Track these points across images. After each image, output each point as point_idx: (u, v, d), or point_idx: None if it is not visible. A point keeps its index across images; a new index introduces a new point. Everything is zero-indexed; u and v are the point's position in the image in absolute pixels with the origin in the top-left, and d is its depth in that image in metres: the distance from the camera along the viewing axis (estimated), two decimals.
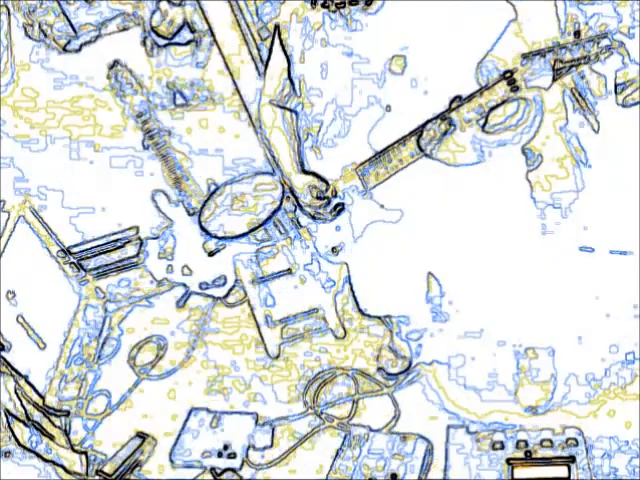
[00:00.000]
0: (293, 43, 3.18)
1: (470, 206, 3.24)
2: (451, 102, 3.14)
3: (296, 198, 3.29)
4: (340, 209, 3.26)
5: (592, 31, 3.10)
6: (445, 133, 3.11)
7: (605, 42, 3.04)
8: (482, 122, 3.15)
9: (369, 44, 3.15)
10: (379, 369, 3.46)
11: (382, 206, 3.24)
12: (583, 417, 3.29)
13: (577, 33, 3.10)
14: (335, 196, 3.22)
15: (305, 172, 3.25)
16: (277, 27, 3.20)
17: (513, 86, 3.06)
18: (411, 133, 3.16)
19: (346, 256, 3.35)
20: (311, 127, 3.22)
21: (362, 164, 3.20)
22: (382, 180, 3.20)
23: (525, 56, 3.06)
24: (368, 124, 3.16)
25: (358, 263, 3.35)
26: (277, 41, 3.19)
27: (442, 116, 3.12)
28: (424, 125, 3.15)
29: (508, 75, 3.06)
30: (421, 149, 3.13)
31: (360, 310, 3.41)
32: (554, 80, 3.07)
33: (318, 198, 3.21)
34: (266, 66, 3.24)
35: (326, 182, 3.23)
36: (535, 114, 3.13)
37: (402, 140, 3.17)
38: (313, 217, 3.29)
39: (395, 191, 3.24)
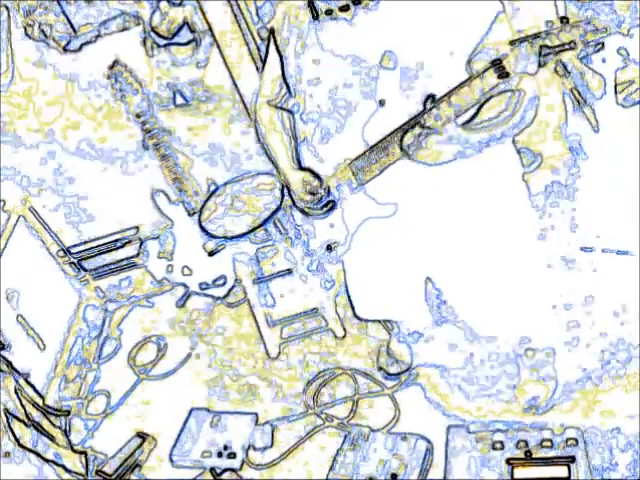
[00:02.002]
0: (286, 43, 3.18)
1: (465, 202, 3.24)
2: (425, 101, 3.12)
3: (290, 194, 3.29)
4: (331, 206, 3.26)
5: (578, 17, 3.10)
6: (428, 134, 3.11)
7: (589, 27, 3.04)
8: (467, 119, 3.14)
9: (360, 39, 3.15)
10: (379, 369, 3.46)
11: (375, 201, 3.24)
12: (583, 417, 3.29)
13: (563, 19, 3.10)
14: (328, 193, 3.22)
15: (301, 168, 3.25)
16: (272, 29, 3.20)
17: (502, 73, 3.06)
18: (394, 132, 3.14)
19: (341, 254, 3.35)
20: (306, 128, 3.22)
21: (354, 160, 3.20)
22: (374, 175, 3.20)
23: (512, 43, 3.06)
24: (362, 119, 3.16)
25: (353, 261, 3.34)
26: (272, 43, 3.19)
27: (420, 118, 3.11)
28: (407, 123, 3.14)
29: (497, 63, 3.05)
30: (403, 150, 3.13)
31: (355, 315, 3.40)
32: (540, 66, 3.07)
33: (311, 194, 3.21)
34: (262, 68, 3.25)
35: (320, 179, 3.22)
36: (527, 104, 3.12)
37: (386, 140, 3.16)
38: (305, 213, 3.29)
39: (389, 186, 3.24)
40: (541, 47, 3.02)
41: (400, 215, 3.24)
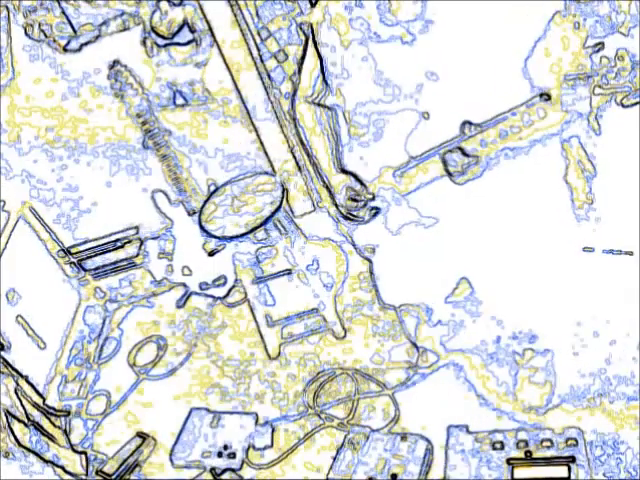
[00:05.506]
0: (328, 42, 3.18)
1: (502, 210, 3.26)
2: (462, 127, 3.14)
3: (333, 197, 3.28)
4: (375, 212, 3.25)
5: (632, 58, 3.11)
6: (474, 163, 3.12)
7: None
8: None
9: (406, 50, 3.16)
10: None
11: (417, 211, 3.25)
12: (583, 417, 3.30)
13: (617, 57, 3.11)
14: (373, 199, 3.22)
15: (344, 171, 3.25)
16: (311, 25, 3.20)
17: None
18: (434, 151, 3.18)
19: (377, 256, 3.36)
20: (354, 129, 3.23)
21: (395, 170, 3.21)
22: (417, 187, 3.22)
23: (566, 78, 3.07)
24: (405, 129, 3.18)
25: (387, 263, 3.35)
26: (311, 40, 3.19)
27: (462, 144, 3.12)
28: (446, 145, 3.15)
29: (546, 98, 3.06)
30: (449, 175, 3.15)
31: (381, 301, 3.40)
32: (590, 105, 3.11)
33: (352, 200, 3.21)
34: (300, 65, 3.24)
35: (363, 184, 3.22)
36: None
37: (426, 156, 3.19)
38: (346, 218, 3.29)
39: (430, 195, 3.26)
40: (594, 87, 3.03)
41: (439, 223, 3.27)
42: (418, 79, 3.16)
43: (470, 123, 3.10)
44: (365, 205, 3.21)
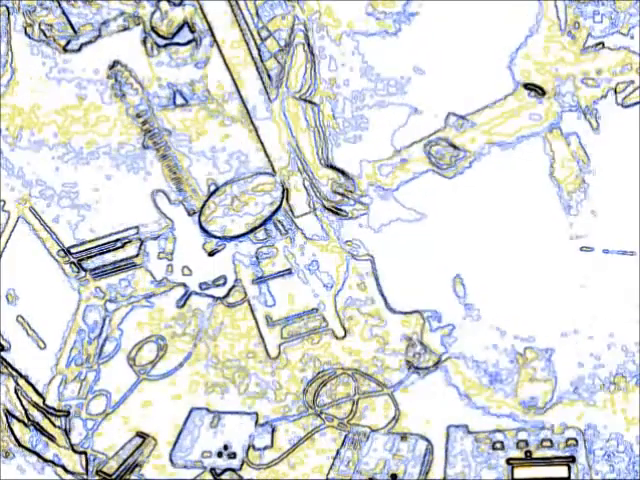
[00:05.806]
0: (316, 39, 3.18)
1: (491, 205, 3.26)
2: (446, 119, 3.14)
3: (319, 193, 3.29)
4: (362, 208, 3.25)
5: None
6: (463, 157, 3.13)
7: (628, 76, 3.07)
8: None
9: (395, 44, 3.16)
10: (407, 362, 3.44)
11: (404, 205, 3.25)
12: (583, 416, 3.30)
13: (600, 44, 3.12)
14: (361, 195, 3.23)
15: (331, 167, 3.25)
16: (304, 22, 3.20)
17: (538, 94, 3.09)
18: (419, 144, 3.18)
19: (376, 256, 3.36)
20: (333, 123, 3.23)
21: (381, 164, 3.22)
22: (404, 181, 3.22)
23: (559, 73, 3.08)
24: (392, 124, 3.18)
25: (387, 263, 3.36)
26: (303, 36, 3.19)
27: (449, 135, 3.13)
28: (432, 137, 3.16)
29: (538, 92, 3.07)
30: (437, 167, 3.15)
31: (388, 307, 3.40)
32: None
33: (340, 195, 3.21)
34: (290, 60, 3.24)
35: (350, 179, 3.22)
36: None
37: (411, 150, 3.19)
38: (334, 213, 3.29)
39: (417, 189, 3.26)
40: (587, 82, 3.05)
41: (428, 218, 3.27)
42: (405, 73, 3.15)
43: (456, 115, 3.10)
44: (353, 200, 3.21)
